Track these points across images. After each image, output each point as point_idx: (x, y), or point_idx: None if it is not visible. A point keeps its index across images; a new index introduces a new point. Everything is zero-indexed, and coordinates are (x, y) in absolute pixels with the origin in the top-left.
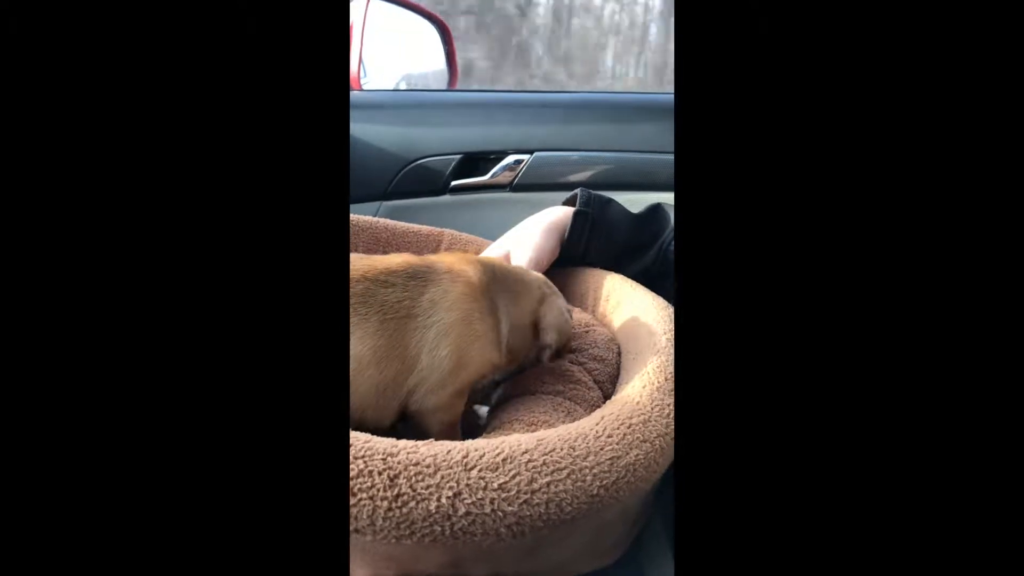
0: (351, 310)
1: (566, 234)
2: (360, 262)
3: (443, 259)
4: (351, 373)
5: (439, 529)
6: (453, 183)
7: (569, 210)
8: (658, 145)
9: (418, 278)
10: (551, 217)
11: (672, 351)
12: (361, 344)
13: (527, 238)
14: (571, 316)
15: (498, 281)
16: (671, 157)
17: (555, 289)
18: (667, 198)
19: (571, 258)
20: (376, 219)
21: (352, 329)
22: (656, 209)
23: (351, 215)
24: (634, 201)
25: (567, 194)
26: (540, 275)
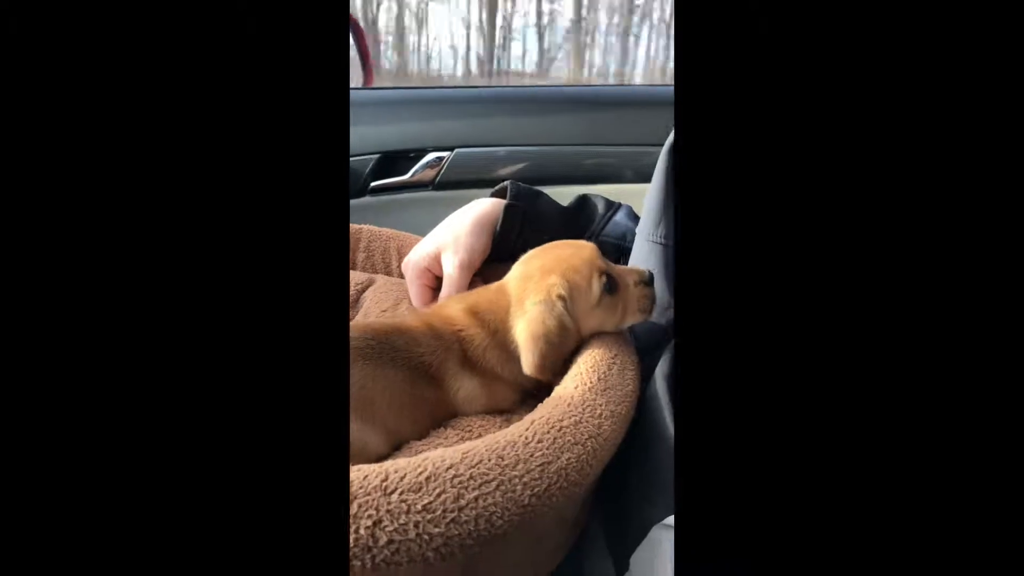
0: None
1: (497, 229)
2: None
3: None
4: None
5: (359, 563)
6: (373, 184)
7: (498, 203)
8: (583, 138)
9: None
10: (479, 210)
11: (605, 348)
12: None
13: (456, 237)
14: (553, 317)
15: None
16: (597, 149)
17: (525, 298)
18: (592, 191)
19: (503, 254)
20: None
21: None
22: (584, 200)
23: None
24: (560, 194)
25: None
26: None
